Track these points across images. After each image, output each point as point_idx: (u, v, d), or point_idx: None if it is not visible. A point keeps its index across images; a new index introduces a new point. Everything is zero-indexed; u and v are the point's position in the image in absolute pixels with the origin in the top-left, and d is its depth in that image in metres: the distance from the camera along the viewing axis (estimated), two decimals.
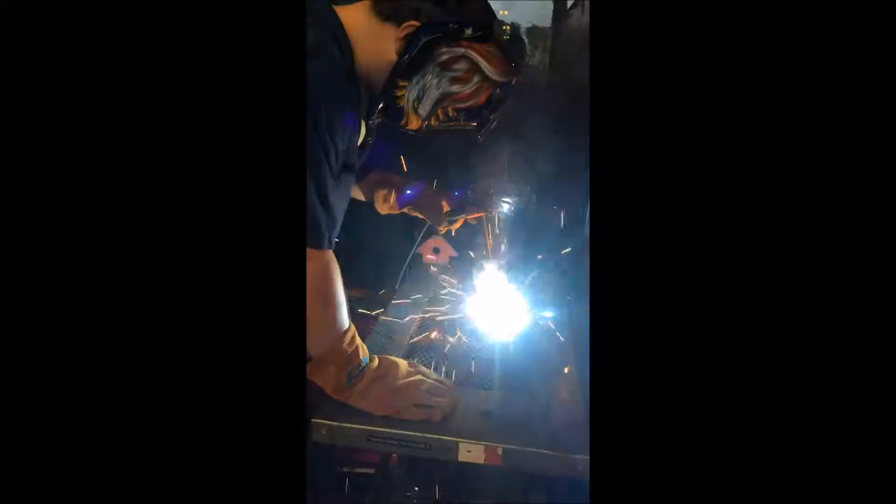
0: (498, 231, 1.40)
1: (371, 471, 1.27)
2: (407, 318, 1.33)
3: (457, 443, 0.91)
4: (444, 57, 1.00)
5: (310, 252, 0.90)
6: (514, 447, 0.90)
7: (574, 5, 2.15)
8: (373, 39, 1.00)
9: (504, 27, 1.05)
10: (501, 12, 1.11)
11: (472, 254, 1.52)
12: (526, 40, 1.19)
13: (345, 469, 1.19)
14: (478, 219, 1.44)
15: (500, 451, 0.90)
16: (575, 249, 1.46)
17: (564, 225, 1.48)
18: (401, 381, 0.98)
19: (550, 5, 2.37)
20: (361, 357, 0.97)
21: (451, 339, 1.23)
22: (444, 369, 1.12)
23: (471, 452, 0.90)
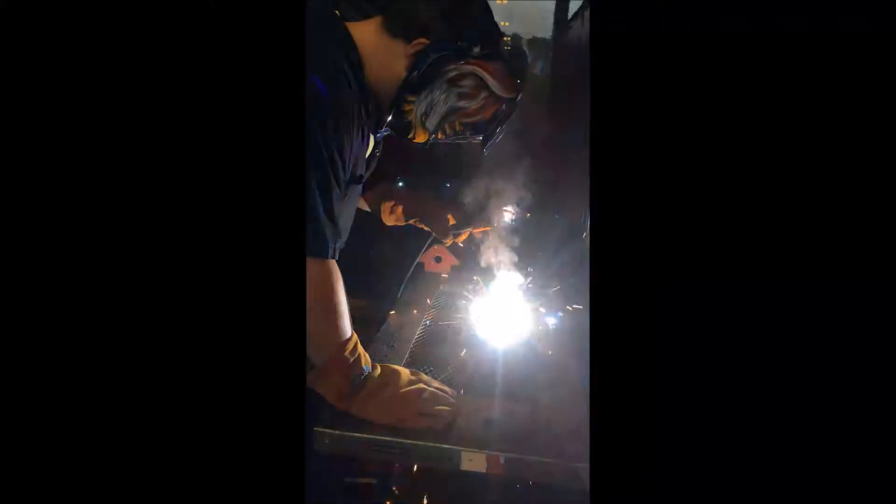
0: (501, 242, 1.41)
1: (373, 480, 1.27)
2: (409, 327, 1.33)
3: (459, 451, 0.90)
4: (452, 73, 1.03)
5: (313, 261, 0.91)
6: (516, 456, 0.90)
7: (575, 16, 2.17)
8: (383, 55, 1.02)
9: (504, 38, 1.07)
10: (502, 23, 1.12)
11: (475, 263, 1.53)
12: (528, 52, 1.21)
13: (346, 478, 1.19)
14: (484, 232, 1.45)
15: (502, 459, 0.89)
16: (576, 256, 1.47)
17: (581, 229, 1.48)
18: (403, 390, 0.98)
19: (551, 17, 2.39)
20: (364, 366, 0.98)
21: (453, 348, 1.23)
22: (446, 377, 1.12)
23: (473, 461, 0.90)
